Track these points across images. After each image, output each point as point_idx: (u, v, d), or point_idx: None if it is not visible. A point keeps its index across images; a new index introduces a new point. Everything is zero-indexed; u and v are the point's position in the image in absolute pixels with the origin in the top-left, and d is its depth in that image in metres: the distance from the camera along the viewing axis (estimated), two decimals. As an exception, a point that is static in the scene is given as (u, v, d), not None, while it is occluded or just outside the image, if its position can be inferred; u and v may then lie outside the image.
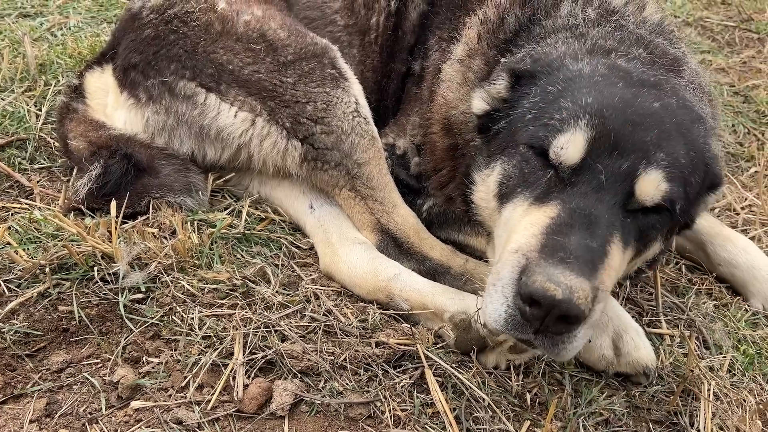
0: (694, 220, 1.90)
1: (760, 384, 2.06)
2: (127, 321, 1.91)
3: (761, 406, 1.96)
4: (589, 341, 1.91)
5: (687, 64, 2.01)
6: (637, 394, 1.95)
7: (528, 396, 1.88)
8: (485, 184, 1.88)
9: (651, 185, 1.59)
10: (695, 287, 2.41)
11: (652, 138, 1.62)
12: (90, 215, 2.23)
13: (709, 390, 1.95)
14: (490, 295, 1.57)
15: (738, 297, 2.43)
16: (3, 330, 1.83)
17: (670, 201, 1.61)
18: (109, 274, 2.00)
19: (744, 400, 1.97)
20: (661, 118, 1.66)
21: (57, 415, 1.68)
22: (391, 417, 1.75)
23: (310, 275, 2.19)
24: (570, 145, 1.61)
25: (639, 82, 1.75)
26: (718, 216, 2.77)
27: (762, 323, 2.31)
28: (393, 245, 2.24)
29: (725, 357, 2.11)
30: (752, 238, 2.61)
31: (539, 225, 1.58)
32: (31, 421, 1.66)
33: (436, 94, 2.25)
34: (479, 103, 1.93)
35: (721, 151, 2.01)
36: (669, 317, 2.26)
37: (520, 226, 1.64)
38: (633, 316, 2.11)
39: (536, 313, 1.45)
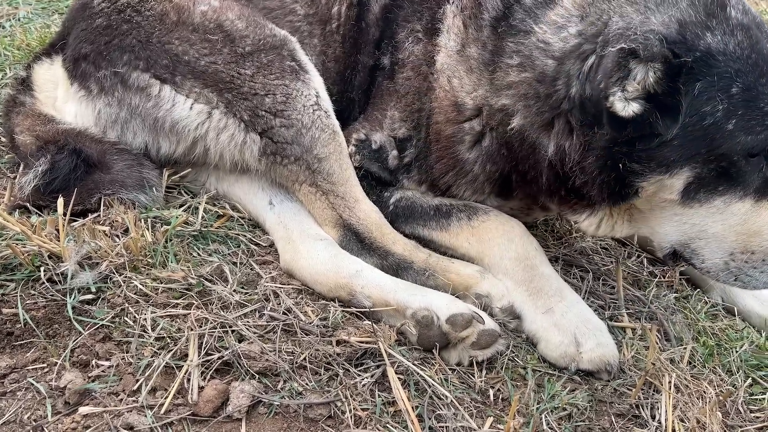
0: None
1: (719, 375, 2.08)
2: (75, 323, 1.82)
3: (721, 398, 1.98)
4: None
5: None
6: (599, 387, 1.95)
7: (491, 392, 1.86)
8: (660, 184, 1.87)
9: None
10: (656, 279, 2.43)
11: None
12: (37, 213, 2.13)
13: (670, 382, 1.96)
14: None
15: (698, 289, 2.46)
16: (-59, 334, 1.74)
17: None
18: (56, 275, 1.91)
19: (704, 392, 1.98)
20: None
21: (-1, 423, 1.61)
22: (351, 417, 1.71)
23: (270, 273, 2.13)
24: None
25: (765, 30, 1.84)
26: (679, 209, 2.79)
27: (721, 315, 2.34)
28: (355, 240, 2.20)
29: (686, 349, 2.13)
30: (711, 231, 2.64)
31: None
32: (-30, 431, 1.58)
33: (436, 83, 2.25)
34: (625, 106, 1.81)
35: None
36: (631, 310, 2.27)
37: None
38: (595, 310, 2.11)
39: None
